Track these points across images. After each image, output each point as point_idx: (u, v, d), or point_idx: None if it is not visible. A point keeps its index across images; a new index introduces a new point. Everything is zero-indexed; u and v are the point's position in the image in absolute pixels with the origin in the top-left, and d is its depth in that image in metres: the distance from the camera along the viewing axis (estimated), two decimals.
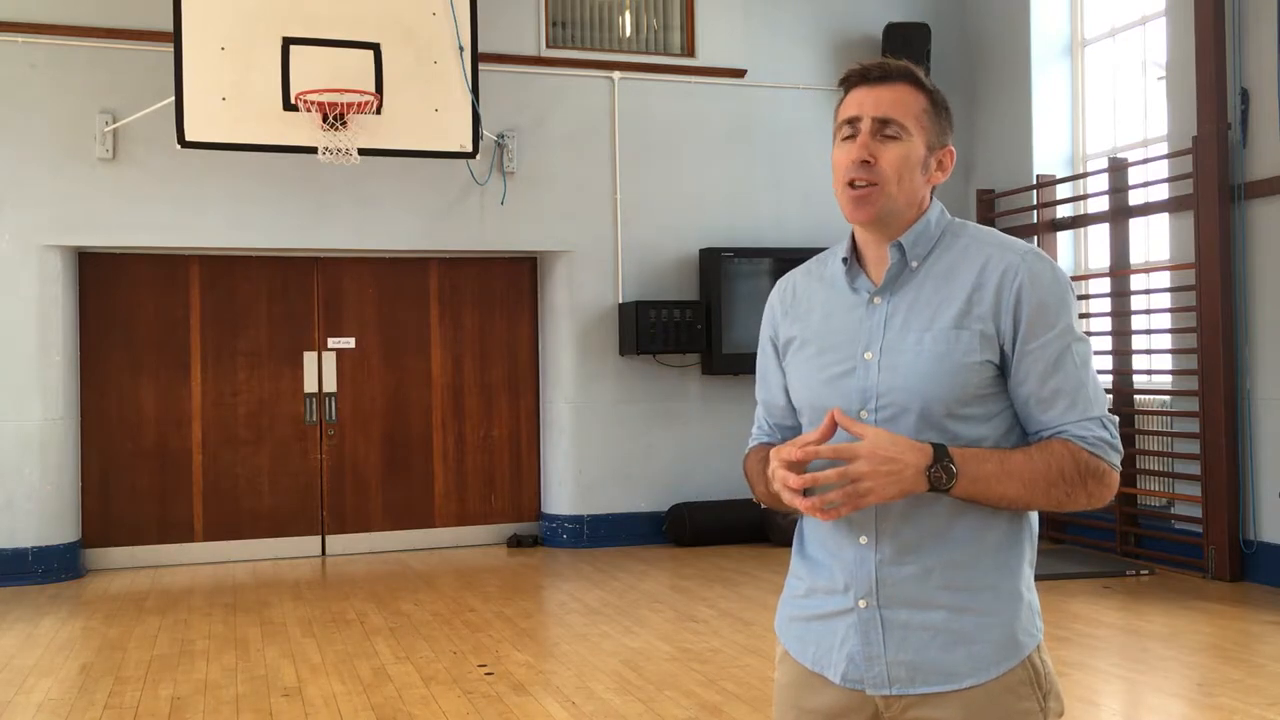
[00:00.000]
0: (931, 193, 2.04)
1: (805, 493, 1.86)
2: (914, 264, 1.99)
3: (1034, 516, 2.01)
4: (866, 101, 1.97)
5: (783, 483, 1.87)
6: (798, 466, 1.88)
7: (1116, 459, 1.94)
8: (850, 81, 2.01)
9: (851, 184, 1.97)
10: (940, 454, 1.84)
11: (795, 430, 2.15)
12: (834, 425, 1.87)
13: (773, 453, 1.92)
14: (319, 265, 9.21)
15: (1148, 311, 8.50)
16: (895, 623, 1.94)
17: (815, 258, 2.18)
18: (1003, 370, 1.94)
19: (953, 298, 1.94)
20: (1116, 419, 1.97)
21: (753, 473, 2.15)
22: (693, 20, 9.70)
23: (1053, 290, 1.93)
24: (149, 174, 8.35)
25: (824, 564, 2.03)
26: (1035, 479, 1.88)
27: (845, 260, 2.05)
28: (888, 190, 1.96)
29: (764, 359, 2.20)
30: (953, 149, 2.04)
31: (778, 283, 2.21)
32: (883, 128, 1.96)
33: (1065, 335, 1.92)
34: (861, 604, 1.96)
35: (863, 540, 1.96)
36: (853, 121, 1.98)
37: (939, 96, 2.01)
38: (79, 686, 5.59)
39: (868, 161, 1.95)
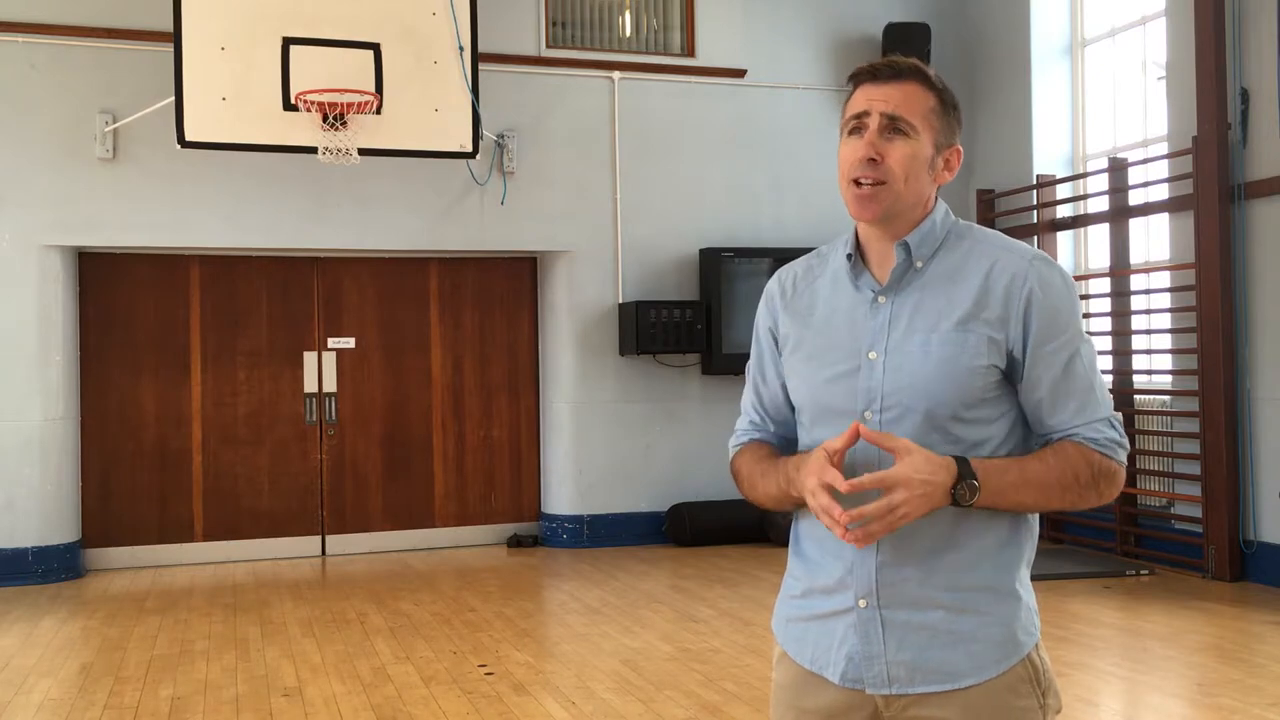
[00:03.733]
0: (937, 192, 2.04)
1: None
2: (919, 264, 1.99)
3: (1035, 517, 2.02)
4: (875, 98, 1.95)
5: (826, 511, 1.85)
6: (833, 489, 1.86)
7: (1124, 456, 1.96)
8: (859, 79, 2.00)
9: (857, 182, 1.96)
10: (964, 470, 1.85)
11: (789, 425, 2.14)
12: (856, 435, 1.87)
13: (813, 476, 1.88)
14: (319, 265, 9.21)
15: (1148, 311, 8.50)
16: (895, 623, 1.94)
17: (815, 252, 2.16)
18: (1008, 374, 1.94)
19: (959, 300, 1.94)
20: (1121, 416, 1.98)
21: (749, 473, 2.13)
22: (693, 20, 9.70)
23: (1062, 295, 1.93)
24: (149, 174, 8.35)
25: (822, 564, 2.02)
26: (1051, 484, 1.90)
27: (849, 257, 2.04)
28: (895, 189, 1.94)
29: (760, 350, 2.18)
30: (960, 148, 2.02)
31: (776, 273, 2.18)
32: (891, 125, 1.94)
33: (1074, 339, 1.93)
34: (861, 604, 1.96)
35: None
36: (860, 117, 1.96)
37: (948, 96, 2.00)
38: (79, 686, 5.59)
39: (874, 159, 1.94)
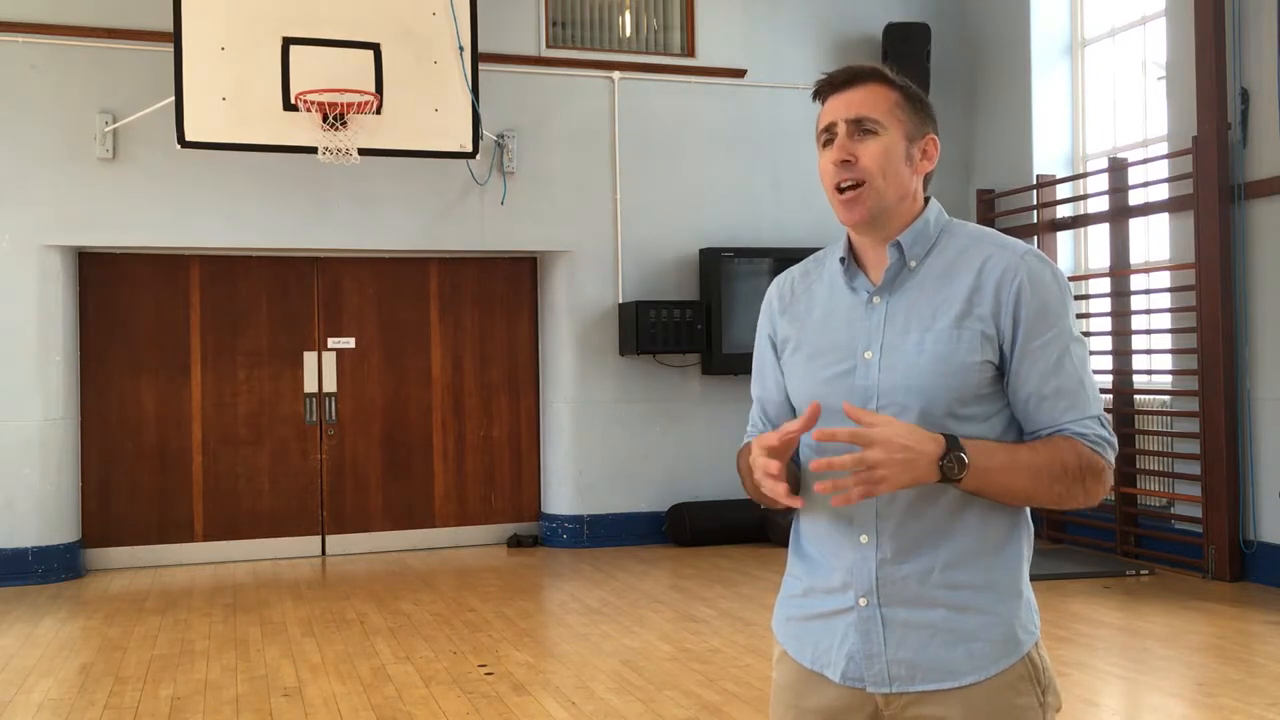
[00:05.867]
0: (926, 184, 2.05)
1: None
2: (912, 263, 2.00)
3: (1029, 514, 2.03)
4: (838, 106, 2.00)
5: (763, 470, 1.88)
6: (779, 453, 1.88)
7: (1113, 456, 1.97)
8: (821, 92, 2.05)
9: (839, 188, 1.99)
10: (953, 444, 1.85)
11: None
12: (817, 414, 1.87)
13: (756, 440, 1.93)
14: (319, 265, 9.21)
15: (1148, 311, 8.50)
16: (895, 621, 1.95)
17: (812, 256, 2.18)
18: (1001, 370, 1.95)
19: (953, 298, 1.95)
20: (1110, 416, 1.99)
21: (745, 469, 2.15)
22: (693, 20, 9.70)
23: (1052, 291, 1.94)
24: (149, 174, 8.35)
25: (822, 563, 2.03)
26: (1040, 473, 1.90)
27: (843, 260, 2.06)
28: (875, 185, 1.97)
29: (761, 357, 2.21)
30: (935, 137, 2.05)
31: (775, 280, 2.21)
32: (858, 127, 1.98)
33: (1064, 336, 1.94)
34: (861, 602, 1.96)
35: (863, 539, 1.96)
36: (829, 128, 2.01)
37: (911, 90, 2.03)
38: (79, 686, 5.59)
39: (848, 161, 1.97)
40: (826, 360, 2.02)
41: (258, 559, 8.91)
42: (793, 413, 2.13)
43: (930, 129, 2.04)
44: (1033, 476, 1.89)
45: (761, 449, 1.89)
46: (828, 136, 2.01)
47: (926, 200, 2.06)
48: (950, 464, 1.84)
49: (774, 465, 1.86)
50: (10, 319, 8.14)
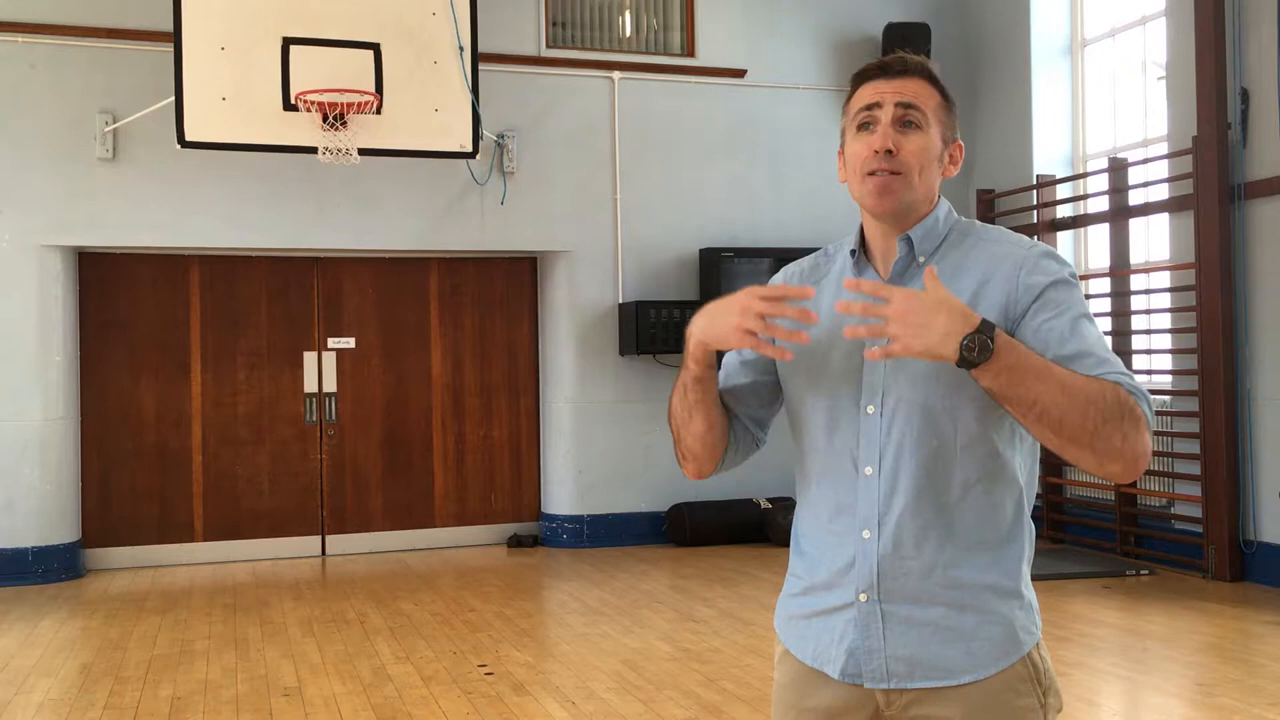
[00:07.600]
0: (939, 188, 2.05)
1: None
2: (921, 259, 1.99)
3: (1030, 517, 2.01)
4: (887, 90, 1.97)
5: (744, 309, 1.86)
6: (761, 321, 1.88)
7: (1151, 415, 1.83)
8: (868, 75, 2.01)
9: (873, 174, 1.95)
10: (985, 328, 1.74)
11: (735, 394, 2.17)
12: (810, 292, 1.92)
13: (749, 289, 1.90)
14: (319, 265, 9.21)
15: (1148, 311, 8.50)
16: (896, 617, 1.94)
17: (820, 250, 2.16)
18: None
19: (960, 293, 1.93)
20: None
21: (676, 389, 2.22)
22: (693, 20, 9.70)
23: (1060, 277, 1.92)
24: (149, 174, 8.35)
25: (823, 559, 2.03)
26: (1076, 391, 1.76)
27: (854, 252, 2.05)
28: (910, 180, 1.95)
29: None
30: (961, 143, 2.05)
31: (782, 270, 2.19)
32: (905, 114, 1.95)
33: (1076, 308, 1.89)
34: (862, 598, 1.96)
35: (865, 534, 1.96)
36: (871, 109, 1.97)
37: (949, 93, 2.04)
38: (79, 686, 5.59)
39: (890, 151, 1.94)
40: (832, 354, 2.01)
41: (258, 559, 8.91)
42: (777, 389, 2.12)
43: (958, 135, 2.04)
44: (1067, 392, 1.75)
45: (755, 298, 1.87)
46: (867, 118, 1.97)
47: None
48: (971, 344, 1.72)
49: (761, 305, 1.86)
50: (10, 319, 8.14)
